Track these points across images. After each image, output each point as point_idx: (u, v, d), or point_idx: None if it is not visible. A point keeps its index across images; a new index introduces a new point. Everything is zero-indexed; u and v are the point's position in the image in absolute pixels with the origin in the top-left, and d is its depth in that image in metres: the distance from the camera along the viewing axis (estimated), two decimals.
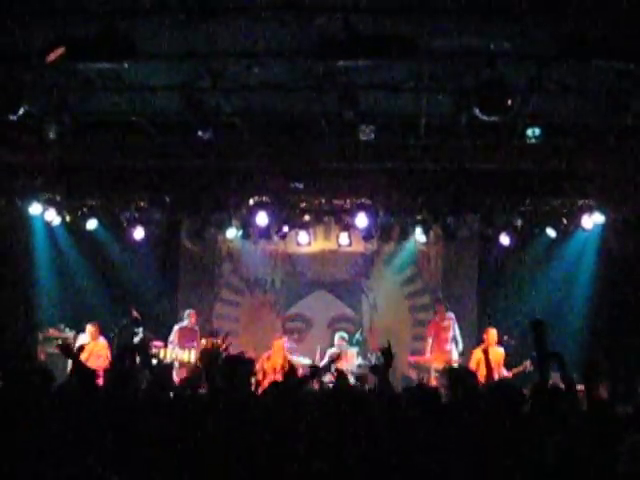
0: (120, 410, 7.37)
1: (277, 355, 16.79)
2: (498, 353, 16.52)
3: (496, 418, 6.23)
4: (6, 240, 18.17)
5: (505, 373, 16.29)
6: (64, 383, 8.46)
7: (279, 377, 14.37)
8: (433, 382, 16.61)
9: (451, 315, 17.99)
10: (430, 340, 18.02)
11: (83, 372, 8.28)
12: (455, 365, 16.80)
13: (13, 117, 11.93)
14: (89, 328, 16.77)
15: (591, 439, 6.02)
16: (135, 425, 7.08)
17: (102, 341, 16.74)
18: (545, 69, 11.66)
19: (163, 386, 8.54)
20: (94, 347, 16.21)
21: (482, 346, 16.54)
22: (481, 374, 16.31)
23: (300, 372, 15.76)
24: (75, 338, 17.11)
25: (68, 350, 9.10)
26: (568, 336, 17.49)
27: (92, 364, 13.18)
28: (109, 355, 16.35)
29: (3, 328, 17.73)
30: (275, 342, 17.24)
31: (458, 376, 7.30)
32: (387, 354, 8.29)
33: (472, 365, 16.35)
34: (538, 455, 5.75)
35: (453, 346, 17.79)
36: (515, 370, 16.07)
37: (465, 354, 17.39)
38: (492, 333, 16.64)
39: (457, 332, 17.92)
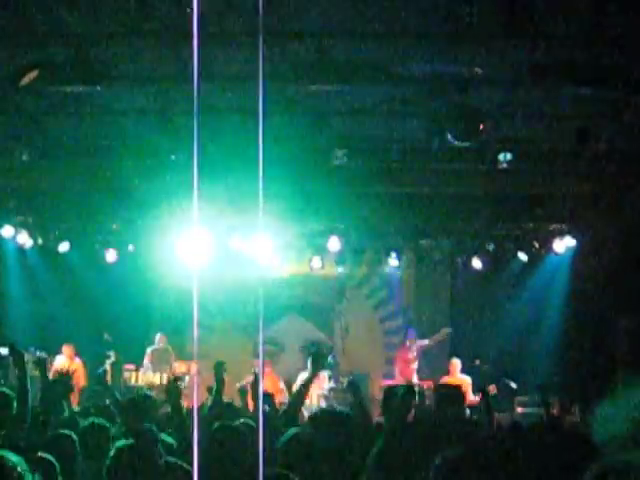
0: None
1: (267, 379, 16.90)
2: (462, 382, 16.67)
3: None
4: None
5: (471, 398, 16.43)
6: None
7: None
8: None
9: (418, 342, 18.12)
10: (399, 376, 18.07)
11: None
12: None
13: None
14: (65, 349, 16.92)
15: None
16: None
17: (78, 361, 16.92)
18: (516, 94, 11.75)
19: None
20: (69, 367, 16.31)
21: (448, 377, 16.75)
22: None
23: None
24: (50, 361, 17.05)
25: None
26: (540, 359, 17.60)
27: None
28: (85, 375, 16.65)
29: None
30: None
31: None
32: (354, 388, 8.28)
33: None
34: None
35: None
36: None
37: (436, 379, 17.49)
38: (454, 363, 16.91)
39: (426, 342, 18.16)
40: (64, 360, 16.62)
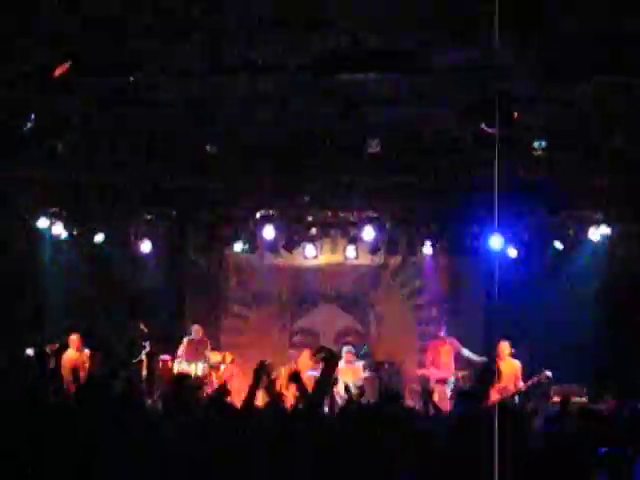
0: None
1: (304, 367, 16.91)
2: (512, 366, 16.57)
3: None
4: (13, 254, 18.21)
5: (521, 385, 16.31)
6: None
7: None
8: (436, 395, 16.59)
9: (452, 340, 17.93)
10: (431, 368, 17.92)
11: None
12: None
13: (21, 131, 11.99)
14: (72, 341, 16.74)
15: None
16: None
17: (87, 352, 16.75)
18: (551, 83, 11.68)
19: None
20: (79, 358, 16.34)
21: (496, 360, 16.63)
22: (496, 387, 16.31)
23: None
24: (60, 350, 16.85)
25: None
26: (574, 349, 17.49)
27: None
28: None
29: (12, 343, 17.72)
30: (303, 353, 17.64)
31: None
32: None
33: None
34: None
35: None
36: (530, 382, 16.18)
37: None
38: (504, 346, 16.71)
39: (467, 353, 17.86)
40: (72, 352, 16.52)
